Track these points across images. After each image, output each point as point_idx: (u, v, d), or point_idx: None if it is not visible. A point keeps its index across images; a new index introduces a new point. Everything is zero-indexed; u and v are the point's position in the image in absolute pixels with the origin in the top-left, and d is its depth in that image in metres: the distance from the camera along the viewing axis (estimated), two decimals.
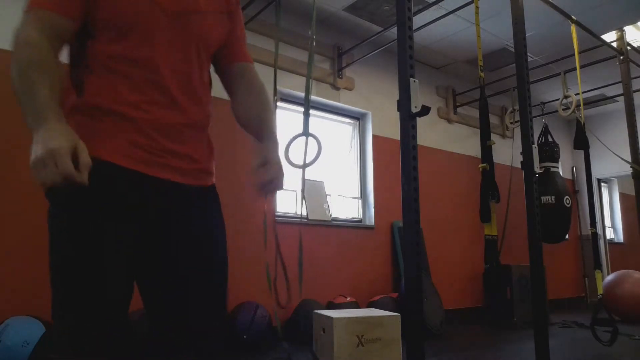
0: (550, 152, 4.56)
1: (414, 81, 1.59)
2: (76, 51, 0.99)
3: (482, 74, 2.60)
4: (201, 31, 1.05)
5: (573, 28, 3.29)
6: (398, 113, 1.60)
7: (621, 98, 4.24)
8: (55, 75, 0.89)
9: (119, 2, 0.95)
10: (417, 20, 3.87)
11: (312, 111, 4.20)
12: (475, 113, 5.24)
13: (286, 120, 4.17)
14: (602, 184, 7.32)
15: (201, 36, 1.05)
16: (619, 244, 7.50)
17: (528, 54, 2.58)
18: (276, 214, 3.89)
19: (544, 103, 5.15)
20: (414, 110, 1.57)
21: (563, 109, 3.93)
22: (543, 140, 4.71)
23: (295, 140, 1.84)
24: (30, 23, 0.92)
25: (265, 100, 1.18)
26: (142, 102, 0.95)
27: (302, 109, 4.24)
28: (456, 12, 3.83)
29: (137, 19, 0.96)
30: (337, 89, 4.42)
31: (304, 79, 3.90)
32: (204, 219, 1.04)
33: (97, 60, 0.96)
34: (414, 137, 1.58)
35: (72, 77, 0.98)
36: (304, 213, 4.00)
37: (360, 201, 4.61)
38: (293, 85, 4.05)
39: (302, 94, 3.09)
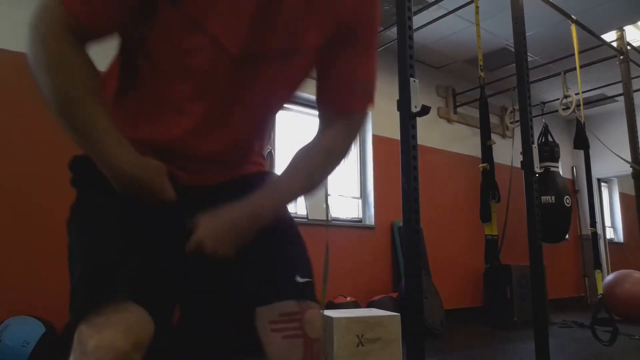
0: (550, 152, 4.56)
1: (414, 81, 1.59)
2: (126, 56, 0.84)
3: (482, 74, 2.61)
4: (274, 78, 0.83)
5: (573, 28, 3.29)
6: (398, 113, 1.60)
7: (621, 98, 4.24)
8: (104, 100, 0.77)
9: (169, 38, 0.76)
10: (417, 20, 3.86)
11: (311, 110, 4.20)
12: (475, 113, 5.23)
13: (285, 119, 4.17)
14: (602, 183, 7.32)
15: (272, 85, 0.84)
16: (619, 243, 7.50)
17: (528, 53, 2.58)
18: None
19: (544, 103, 5.15)
20: (414, 110, 1.57)
21: (563, 109, 3.93)
22: (543, 140, 4.71)
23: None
24: (55, 28, 0.71)
25: (312, 166, 0.89)
26: (168, 165, 0.82)
27: (302, 109, 4.24)
28: (456, 12, 3.83)
29: (190, 67, 0.78)
30: None
31: None
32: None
33: (136, 90, 0.82)
34: (414, 137, 1.58)
35: (119, 74, 0.86)
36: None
37: (360, 201, 4.61)
38: None
39: (303, 94, 3.10)
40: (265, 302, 0.81)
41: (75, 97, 0.72)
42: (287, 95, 0.91)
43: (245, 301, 0.84)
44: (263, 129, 0.94)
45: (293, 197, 0.90)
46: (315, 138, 0.92)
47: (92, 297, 0.71)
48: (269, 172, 1.01)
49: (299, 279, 0.86)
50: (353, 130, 0.92)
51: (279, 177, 0.89)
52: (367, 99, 0.90)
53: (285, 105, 0.94)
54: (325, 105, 0.91)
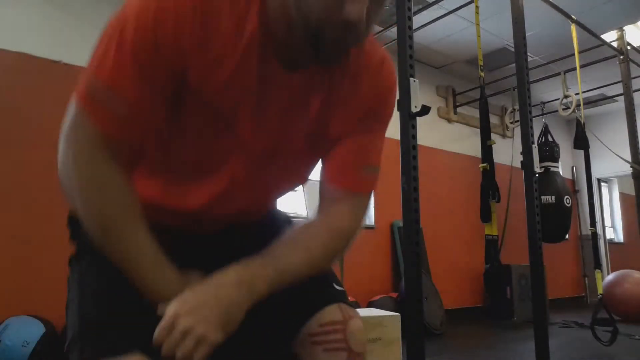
0: (550, 152, 4.55)
1: (414, 81, 1.59)
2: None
3: (482, 74, 2.60)
4: (297, 162, 0.83)
5: (573, 28, 3.29)
6: (398, 113, 1.61)
7: (621, 98, 4.24)
8: (142, 217, 0.71)
9: (194, 131, 0.74)
10: (417, 20, 3.86)
11: None
12: (475, 113, 5.23)
13: None
14: (602, 183, 7.32)
15: (294, 167, 0.84)
16: (619, 244, 7.50)
17: (528, 53, 2.58)
18: None
19: (544, 103, 5.14)
20: (414, 110, 1.57)
21: (563, 109, 3.92)
22: (543, 140, 4.71)
23: None
24: (89, 148, 0.67)
25: (316, 243, 0.78)
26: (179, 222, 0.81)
27: None
28: (456, 12, 3.83)
29: (212, 154, 0.76)
30: None
31: None
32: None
33: (153, 159, 0.79)
34: (414, 137, 1.58)
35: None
36: None
37: None
38: None
39: None
40: (307, 318, 0.75)
41: (114, 222, 0.68)
42: (309, 171, 0.88)
43: (285, 324, 0.77)
44: (282, 194, 0.93)
45: (290, 274, 0.74)
46: (318, 216, 0.83)
47: (87, 353, 0.66)
48: (277, 210, 0.98)
49: (337, 287, 0.82)
50: (360, 209, 0.85)
51: (276, 247, 0.76)
52: (373, 181, 0.85)
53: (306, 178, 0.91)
54: (332, 182, 0.83)
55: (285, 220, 0.96)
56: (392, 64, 0.84)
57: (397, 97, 1.62)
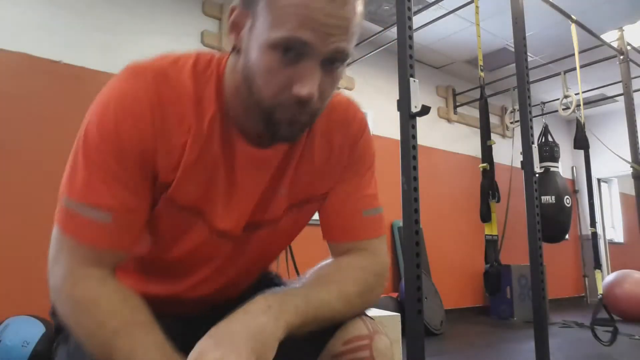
0: (550, 152, 4.56)
1: (414, 81, 1.59)
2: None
3: (482, 74, 2.60)
4: (277, 235, 0.80)
5: (573, 28, 3.29)
6: (398, 113, 1.61)
7: (621, 98, 4.24)
8: (150, 321, 0.65)
9: (168, 222, 0.72)
10: (417, 20, 3.86)
11: None
12: (475, 113, 5.23)
13: None
14: (602, 183, 7.32)
15: (275, 241, 0.81)
16: (619, 244, 7.50)
17: (528, 53, 2.58)
18: None
19: (544, 103, 5.14)
20: (414, 110, 1.57)
21: (563, 109, 3.92)
22: (543, 140, 4.71)
23: None
24: (80, 269, 0.67)
25: (344, 276, 0.74)
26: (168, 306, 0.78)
27: None
28: (456, 12, 3.83)
29: (189, 244, 0.74)
30: (338, 88, 4.40)
31: None
32: None
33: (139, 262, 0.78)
34: (414, 137, 1.58)
35: None
36: None
37: None
38: None
39: None
40: (330, 335, 0.71)
41: (116, 339, 0.62)
42: (298, 231, 0.85)
43: (306, 344, 0.71)
44: (272, 260, 0.91)
45: (322, 305, 0.67)
46: (339, 259, 0.78)
47: None
48: (269, 274, 0.93)
49: None
50: (379, 250, 0.79)
51: (302, 281, 0.72)
52: (378, 223, 0.81)
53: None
54: (337, 239, 0.79)
55: (277, 280, 0.93)
56: (355, 103, 0.83)
57: (397, 98, 1.63)
